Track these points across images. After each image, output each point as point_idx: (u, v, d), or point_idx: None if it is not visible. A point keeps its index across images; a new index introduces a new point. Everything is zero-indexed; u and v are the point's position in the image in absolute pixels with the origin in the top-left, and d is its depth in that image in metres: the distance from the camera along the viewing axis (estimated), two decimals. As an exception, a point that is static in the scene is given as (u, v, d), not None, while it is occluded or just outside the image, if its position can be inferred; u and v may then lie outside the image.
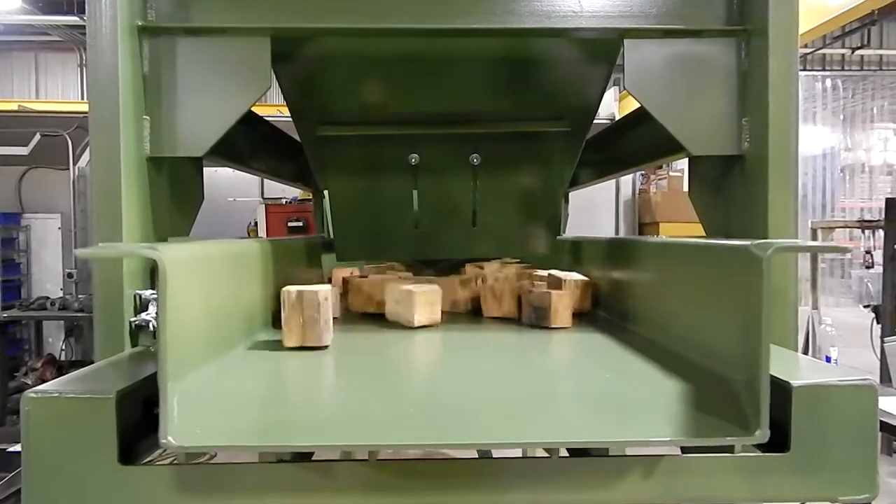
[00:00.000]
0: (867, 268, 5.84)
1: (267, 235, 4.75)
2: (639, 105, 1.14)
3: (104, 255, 0.79)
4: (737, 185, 1.08)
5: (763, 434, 0.62)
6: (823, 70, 11.64)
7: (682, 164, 4.64)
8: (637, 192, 5.66)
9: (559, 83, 1.35)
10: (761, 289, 0.60)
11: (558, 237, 1.55)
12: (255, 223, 4.95)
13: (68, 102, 8.48)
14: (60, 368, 5.20)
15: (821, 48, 9.88)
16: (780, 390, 0.74)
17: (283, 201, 4.94)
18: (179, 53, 1.02)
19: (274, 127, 1.64)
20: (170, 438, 0.61)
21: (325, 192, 1.50)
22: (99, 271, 0.95)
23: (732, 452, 0.70)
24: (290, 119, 1.45)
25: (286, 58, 1.22)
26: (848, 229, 8.33)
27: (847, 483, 0.73)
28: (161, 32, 1.02)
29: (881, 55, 11.64)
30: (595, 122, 1.48)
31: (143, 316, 0.99)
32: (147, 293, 1.00)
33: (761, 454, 0.74)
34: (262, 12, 1.03)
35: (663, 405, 0.72)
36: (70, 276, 5.56)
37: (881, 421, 2.23)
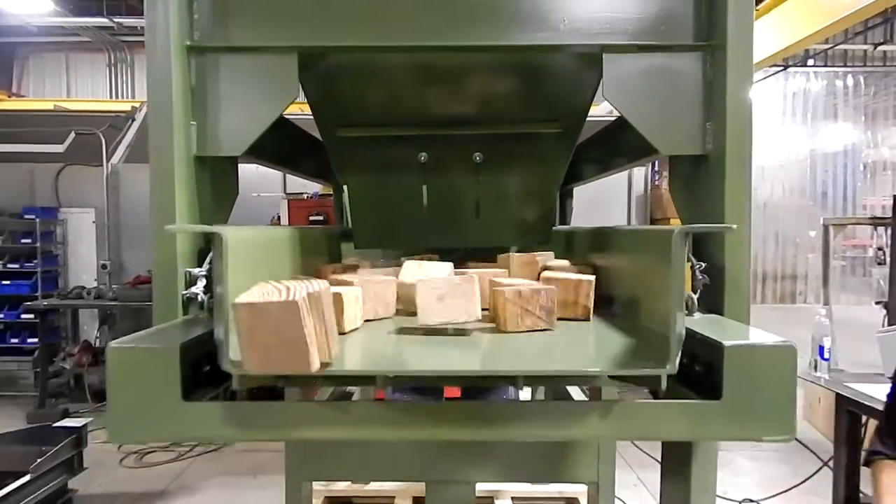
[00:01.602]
0: (879, 264, 5.87)
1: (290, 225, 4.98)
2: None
3: (185, 229, 0.96)
4: (703, 181, 1.24)
5: (672, 367, 0.78)
6: (845, 66, 11.54)
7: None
8: (649, 188, 5.77)
9: (552, 89, 1.51)
10: (671, 260, 0.77)
11: (553, 228, 1.71)
12: (278, 217, 5.17)
13: (101, 101, 8.79)
14: (96, 354, 5.49)
15: (841, 43, 9.78)
16: (716, 349, 0.90)
17: (305, 196, 5.15)
18: (220, 68, 1.21)
19: (297, 127, 1.83)
20: (231, 362, 0.78)
21: (345, 188, 1.67)
22: (157, 252, 1.14)
23: (659, 386, 0.85)
24: (311, 117, 1.63)
25: (310, 67, 1.40)
26: (870, 226, 8.30)
27: (769, 427, 0.89)
28: (205, 51, 1.20)
29: (904, 51, 11.47)
30: (601, 118, 1.64)
31: (193, 290, 1.18)
32: (196, 270, 1.19)
33: (699, 401, 0.90)
34: (289, 33, 1.21)
35: (615, 355, 0.89)
36: (104, 266, 5.85)
37: (870, 406, 2.36)
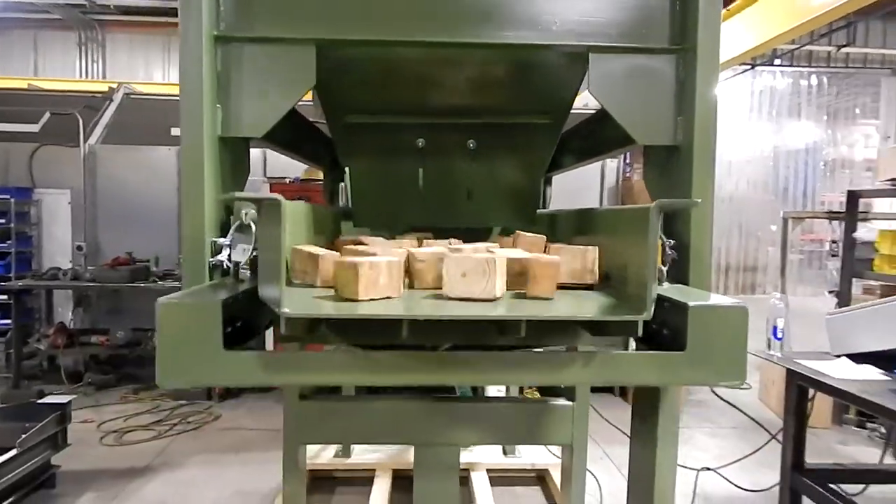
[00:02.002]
0: (833, 256, 6.21)
1: (271, 213, 5.03)
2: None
3: (238, 197, 1.06)
4: (673, 169, 1.40)
5: (648, 314, 0.95)
6: (809, 66, 11.97)
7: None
8: (620, 179, 5.99)
9: (541, 84, 1.66)
10: (648, 229, 0.93)
11: (538, 211, 1.87)
12: (260, 201, 5.23)
13: (76, 81, 8.65)
14: (71, 336, 5.49)
15: (807, 44, 10.17)
16: (682, 309, 1.07)
17: (287, 180, 5.21)
18: (244, 57, 1.32)
19: (299, 114, 1.94)
20: (285, 309, 0.91)
21: (347, 170, 1.79)
22: (185, 223, 1.26)
23: (637, 333, 1.02)
24: (307, 104, 1.75)
25: (321, 59, 1.52)
26: (827, 221, 8.75)
27: (724, 373, 1.07)
28: (230, 40, 1.31)
29: (865, 53, 11.95)
30: (578, 111, 1.78)
31: (219, 257, 1.31)
32: (221, 240, 1.31)
33: (667, 352, 1.07)
34: (307, 25, 1.32)
35: (601, 308, 1.05)
36: (79, 248, 5.83)
37: (824, 383, 2.59)
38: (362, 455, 3.64)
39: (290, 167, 5.82)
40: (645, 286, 0.95)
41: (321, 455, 3.64)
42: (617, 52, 1.36)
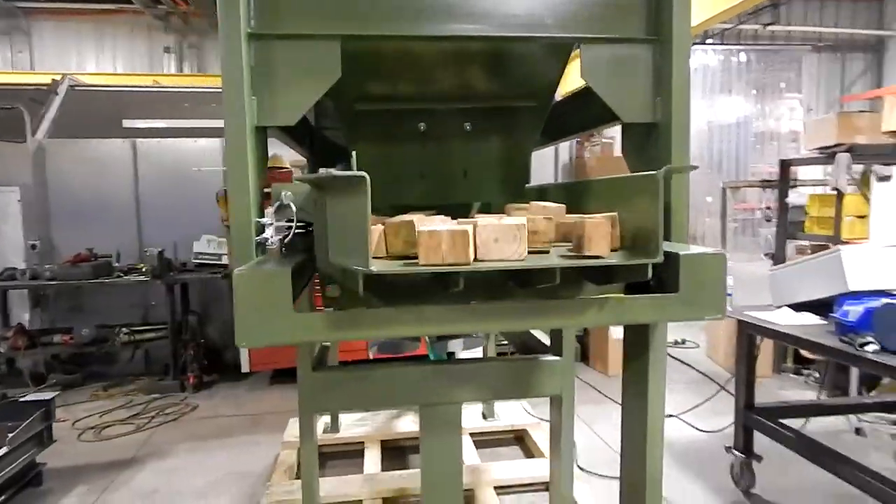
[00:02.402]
0: (767, 221, 6.74)
1: (237, 202, 5.05)
2: (577, 87, 1.66)
3: (333, 173, 1.14)
4: (652, 145, 1.62)
5: (660, 257, 1.16)
6: (738, 44, 12.64)
7: (612, 132, 5.28)
8: (573, 157, 6.29)
9: (529, 70, 1.85)
10: (658, 192, 1.14)
11: (527, 185, 2.07)
12: (225, 190, 5.22)
13: (17, 73, 8.24)
14: (31, 337, 5.37)
15: (737, 25, 10.76)
16: (675, 258, 1.29)
17: (251, 170, 5.22)
18: (274, 52, 1.45)
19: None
20: (372, 267, 1.06)
21: (354, 154, 1.93)
22: (233, 206, 1.39)
23: (647, 278, 1.23)
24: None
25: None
26: (758, 189, 9.41)
27: (709, 309, 1.30)
28: (261, 37, 1.44)
29: (789, 31, 12.67)
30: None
31: (264, 235, 1.45)
32: (263, 220, 1.45)
33: (665, 294, 1.29)
34: (333, 22, 1.46)
35: (621, 256, 1.26)
36: (33, 247, 5.68)
37: (768, 328, 2.93)
38: (351, 429, 3.80)
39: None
40: (654, 237, 1.16)
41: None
42: (603, 43, 1.56)
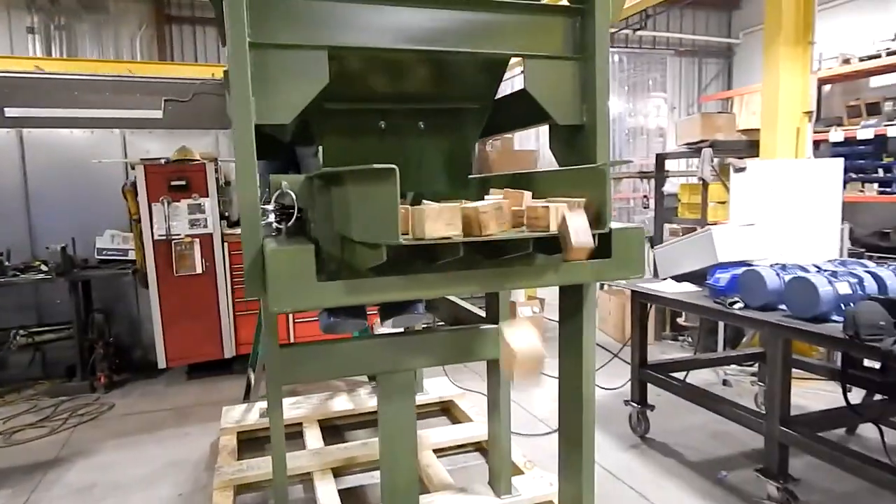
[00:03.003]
0: (645, 208, 7.60)
1: (147, 195, 4.95)
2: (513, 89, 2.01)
3: (377, 166, 1.36)
4: (579, 141, 2.00)
5: (608, 228, 1.53)
6: (613, 47, 13.80)
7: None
8: (478, 152, 6.73)
9: (473, 78, 2.16)
10: (607, 179, 1.50)
11: (469, 177, 2.39)
12: (132, 184, 5.08)
13: None
14: None
15: (612, 29, 11.76)
16: (608, 232, 1.67)
17: (163, 161, 5.12)
18: (270, 60, 1.65)
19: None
20: (401, 239, 1.32)
21: (321, 148, 2.15)
22: (242, 195, 1.58)
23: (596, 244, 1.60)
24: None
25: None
26: (632, 179, 10.45)
27: (634, 270, 1.69)
28: (258, 46, 1.63)
29: (654, 36, 14.01)
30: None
31: (269, 219, 1.65)
32: (267, 207, 1.65)
33: (602, 259, 1.67)
34: (321, 34, 1.68)
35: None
36: None
37: (657, 295, 3.47)
38: (288, 412, 3.95)
39: (153, 147, 5.69)
40: (603, 213, 1.52)
41: (247, 417, 3.88)
42: (541, 59, 1.91)
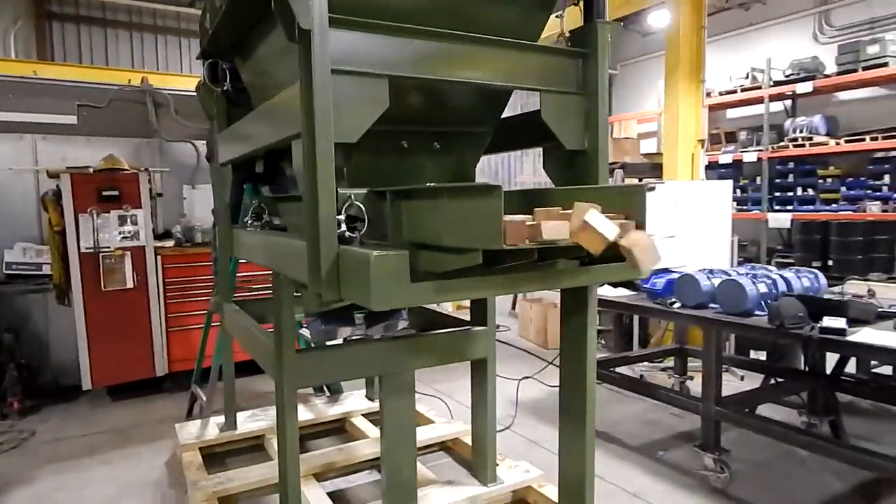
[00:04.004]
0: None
1: (74, 204, 4.67)
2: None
3: (483, 184, 1.53)
4: (580, 163, 2.33)
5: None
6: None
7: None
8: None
9: (483, 105, 2.44)
10: (640, 199, 1.83)
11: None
12: (53, 192, 4.76)
13: None
14: None
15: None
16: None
17: (91, 170, 4.84)
18: (342, 85, 1.81)
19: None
20: (504, 245, 1.54)
21: (345, 169, 2.30)
22: (322, 207, 1.73)
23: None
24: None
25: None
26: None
27: (641, 273, 2.05)
28: (336, 73, 1.79)
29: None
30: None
31: (342, 229, 1.80)
32: (340, 217, 1.81)
33: (616, 263, 2.00)
34: (382, 66, 1.88)
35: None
36: None
37: (606, 300, 3.90)
38: (246, 424, 3.93)
39: (70, 155, 5.35)
40: (643, 227, 1.84)
41: (206, 433, 3.81)
42: (554, 93, 2.23)
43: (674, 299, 3.48)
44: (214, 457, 3.72)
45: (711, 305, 3.34)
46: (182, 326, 5.13)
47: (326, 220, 1.76)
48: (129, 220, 4.85)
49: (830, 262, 7.75)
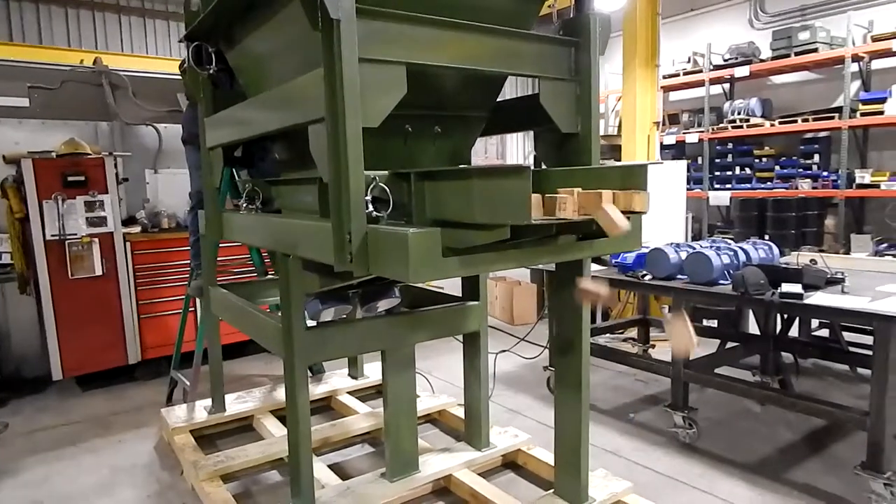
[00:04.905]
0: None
1: (37, 190, 4.53)
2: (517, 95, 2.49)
3: (512, 165, 1.66)
4: (572, 146, 2.50)
5: (645, 211, 2.05)
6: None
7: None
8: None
9: (481, 91, 2.57)
10: (643, 177, 2.01)
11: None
12: (13, 178, 4.59)
13: None
14: None
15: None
16: (620, 216, 2.20)
17: (54, 154, 4.68)
18: (365, 72, 1.91)
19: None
20: (534, 220, 1.68)
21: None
22: (353, 186, 1.83)
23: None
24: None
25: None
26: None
27: (636, 244, 2.24)
28: (363, 61, 1.89)
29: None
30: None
31: (369, 208, 1.91)
32: (367, 197, 1.91)
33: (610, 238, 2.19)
34: (399, 53, 1.98)
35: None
36: None
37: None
38: (234, 406, 3.98)
39: (24, 140, 5.14)
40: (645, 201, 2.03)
41: (195, 416, 3.84)
42: (550, 79, 2.38)
43: (645, 272, 3.73)
44: (204, 439, 3.77)
45: (679, 276, 3.61)
46: (154, 313, 5.07)
47: (357, 201, 1.87)
48: (96, 205, 4.73)
49: (767, 237, 8.33)
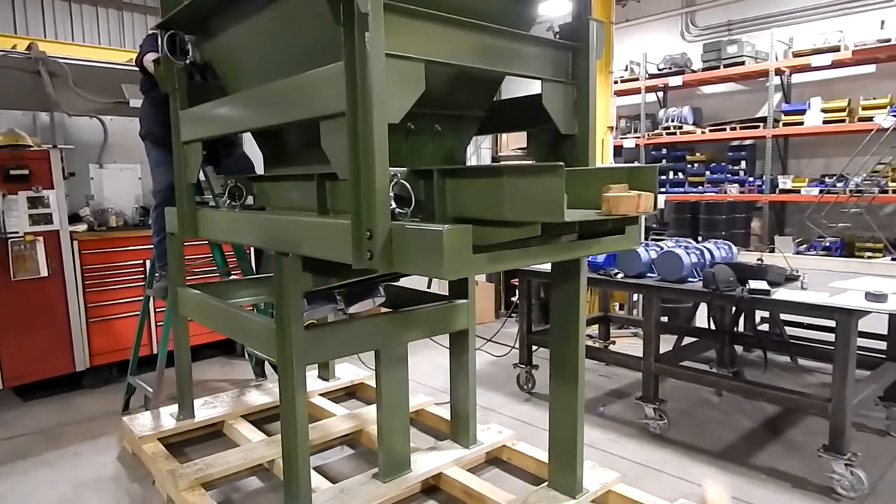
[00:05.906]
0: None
1: (-24, 186, 4.19)
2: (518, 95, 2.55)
3: (546, 164, 1.68)
4: (568, 147, 2.57)
5: (657, 211, 2.13)
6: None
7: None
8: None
9: (480, 91, 2.59)
10: (653, 178, 2.10)
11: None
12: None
13: None
14: None
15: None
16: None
17: (-6, 147, 4.32)
18: (389, 69, 1.89)
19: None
20: (567, 217, 1.72)
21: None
22: (378, 182, 1.82)
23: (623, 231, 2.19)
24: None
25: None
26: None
27: (635, 242, 2.34)
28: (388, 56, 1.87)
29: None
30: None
31: (392, 204, 1.90)
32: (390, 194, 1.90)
33: (619, 235, 2.27)
34: (419, 49, 1.97)
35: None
36: None
37: (543, 272, 4.22)
38: (202, 412, 3.82)
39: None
40: (655, 201, 2.11)
41: (161, 424, 3.66)
42: (550, 82, 2.44)
43: (616, 270, 3.87)
44: (172, 447, 3.59)
45: (649, 275, 3.77)
46: (104, 316, 4.78)
47: (382, 198, 1.85)
48: (40, 202, 4.42)
49: (700, 238, 8.81)
